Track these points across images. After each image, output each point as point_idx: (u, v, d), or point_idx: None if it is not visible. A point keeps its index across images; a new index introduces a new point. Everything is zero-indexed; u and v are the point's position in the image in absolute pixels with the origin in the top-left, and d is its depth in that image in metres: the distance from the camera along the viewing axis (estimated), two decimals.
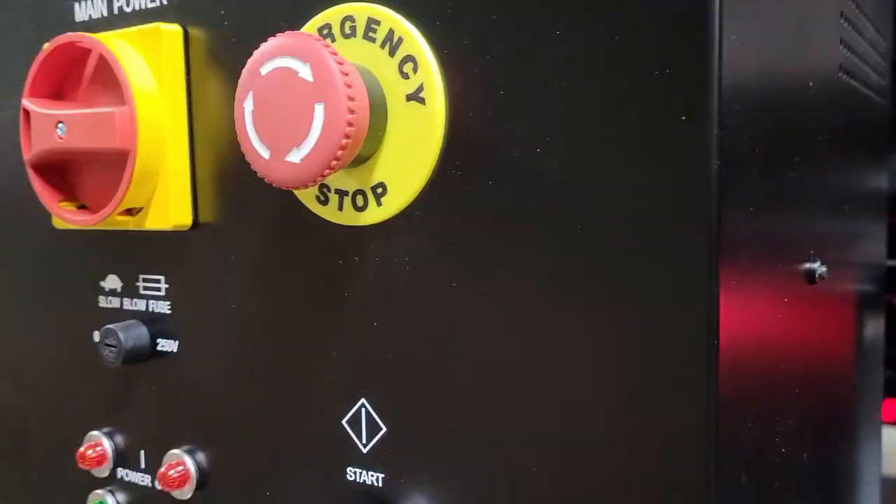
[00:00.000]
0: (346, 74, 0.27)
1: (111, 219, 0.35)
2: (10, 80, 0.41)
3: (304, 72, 0.27)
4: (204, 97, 0.35)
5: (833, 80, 0.41)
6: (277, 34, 0.28)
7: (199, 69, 0.35)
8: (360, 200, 0.30)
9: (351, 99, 0.27)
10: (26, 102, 0.36)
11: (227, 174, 0.34)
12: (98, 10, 0.37)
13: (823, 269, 0.37)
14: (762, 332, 0.30)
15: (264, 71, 0.28)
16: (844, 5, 0.43)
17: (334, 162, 0.27)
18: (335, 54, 0.27)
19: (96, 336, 0.40)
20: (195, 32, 0.35)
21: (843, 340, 0.48)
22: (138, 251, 0.37)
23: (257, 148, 0.28)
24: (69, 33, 0.35)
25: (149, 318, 0.37)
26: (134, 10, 0.36)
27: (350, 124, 0.27)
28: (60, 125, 0.35)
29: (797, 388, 0.36)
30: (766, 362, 0.30)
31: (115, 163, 0.34)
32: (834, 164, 0.42)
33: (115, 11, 0.37)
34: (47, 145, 0.35)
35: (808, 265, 0.36)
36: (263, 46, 0.28)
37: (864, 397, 0.55)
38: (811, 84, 0.36)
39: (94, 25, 0.38)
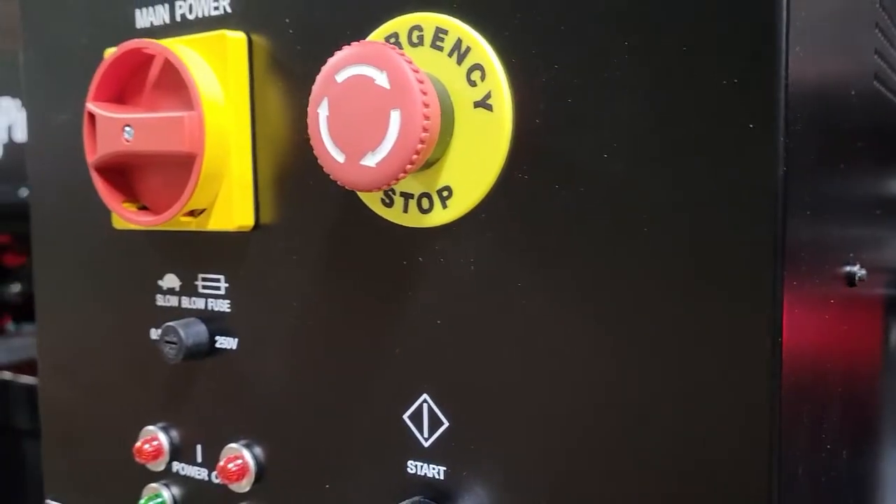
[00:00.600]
0: (422, 82, 0.28)
1: (174, 219, 0.36)
2: (69, 85, 0.42)
3: (381, 79, 0.28)
4: (266, 102, 0.36)
5: (869, 89, 0.42)
6: (352, 43, 0.29)
7: (262, 75, 0.36)
8: (425, 203, 0.31)
9: (426, 106, 0.28)
10: (91, 106, 0.37)
11: (287, 177, 0.35)
12: (160, 17, 0.39)
13: (863, 272, 0.38)
14: (814, 332, 0.31)
15: (340, 78, 0.29)
16: (879, 17, 0.44)
17: (409, 166, 0.28)
18: (410, 62, 0.28)
19: (153, 334, 0.41)
20: (258, 39, 0.36)
21: (874, 343, 0.50)
22: (198, 251, 0.39)
23: (331, 152, 0.29)
24: (136, 39, 0.36)
25: (207, 317, 0.39)
26: (197, 17, 0.37)
27: (425, 130, 0.28)
28: (128, 128, 0.36)
29: (839, 387, 0.37)
30: (816, 361, 0.32)
31: (181, 165, 0.35)
32: (869, 170, 0.43)
33: (178, 19, 0.38)
34: (114, 148, 0.36)
35: (848, 268, 0.37)
36: (339, 54, 0.29)
37: (889, 401, 0.57)
38: (853, 92, 0.37)
39: (155, 32, 0.39)
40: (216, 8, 0.37)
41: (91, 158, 0.38)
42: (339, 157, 0.29)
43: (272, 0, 0.35)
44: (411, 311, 0.32)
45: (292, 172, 0.35)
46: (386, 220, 0.33)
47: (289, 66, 0.35)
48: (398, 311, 0.33)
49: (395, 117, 0.28)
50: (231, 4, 0.36)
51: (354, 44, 0.29)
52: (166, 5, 0.38)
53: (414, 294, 0.32)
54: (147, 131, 0.35)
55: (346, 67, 0.29)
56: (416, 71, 0.28)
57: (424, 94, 0.28)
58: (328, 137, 0.29)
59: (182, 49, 0.36)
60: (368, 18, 0.32)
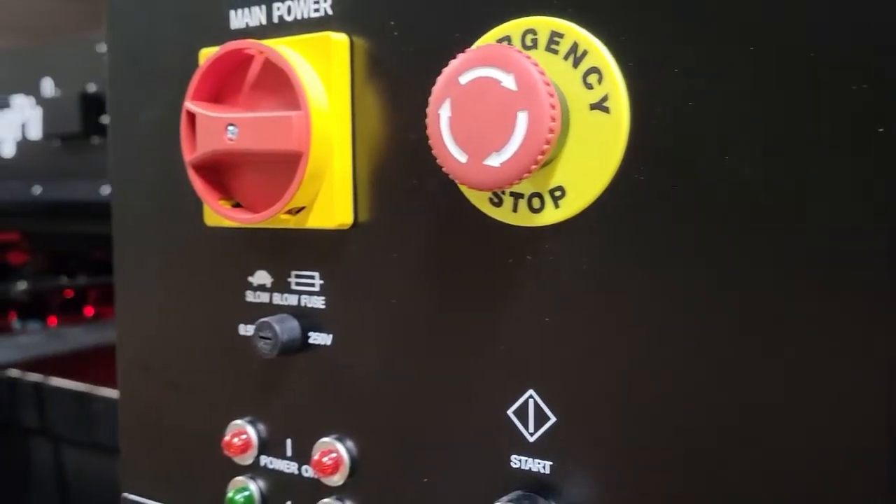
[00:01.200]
0: (548, 84, 0.29)
1: (273, 217, 0.37)
2: (158, 84, 0.43)
3: (508, 81, 0.29)
4: (365, 102, 0.36)
5: None
6: (477, 46, 0.30)
7: (362, 76, 0.36)
8: (536, 203, 0.32)
9: (552, 107, 0.28)
10: (191, 106, 0.38)
11: (387, 176, 0.36)
12: (256, 18, 0.39)
13: None
14: None
15: (464, 80, 0.30)
16: None
17: (533, 166, 0.29)
18: (537, 65, 0.29)
19: (242, 329, 0.41)
20: (359, 41, 0.36)
21: None
22: (291, 248, 0.39)
23: (453, 152, 0.30)
24: (238, 40, 0.37)
25: (300, 313, 0.39)
26: (295, 18, 0.38)
27: (551, 131, 0.29)
28: (231, 127, 0.37)
29: None
30: None
31: (283, 164, 0.36)
32: None
33: (275, 20, 0.39)
34: (216, 147, 0.37)
35: None
36: (462, 57, 0.30)
37: None
38: None
39: (250, 33, 0.40)
40: (316, 10, 0.37)
41: (189, 156, 0.38)
42: (462, 158, 0.30)
43: (377, 2, 0.36)
44: (518, 308, 0.33)
45: (393, 172, 0.36)
46: (493, 220, 0.33)
47: (391, 68, 0.36)
48: (504, 308, 0.34)
49: (522, 119, 0.29)
50: (332, 6, 0.37)
51: (478, 47, 0.30)
52: (263, 7, 0.39)
53: (522, 292, 0.33)
54: (252, 130, 0.36)
55: (470, 69, 0.30)
56: (543, 73, 0.29)
57: (551, 95, 0.29)
58: (450, 138, 0.30)
59: (286, 50, 0.36)
60: (478, 22, 0.33)
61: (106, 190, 1.47)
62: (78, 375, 1.91)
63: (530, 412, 0.33)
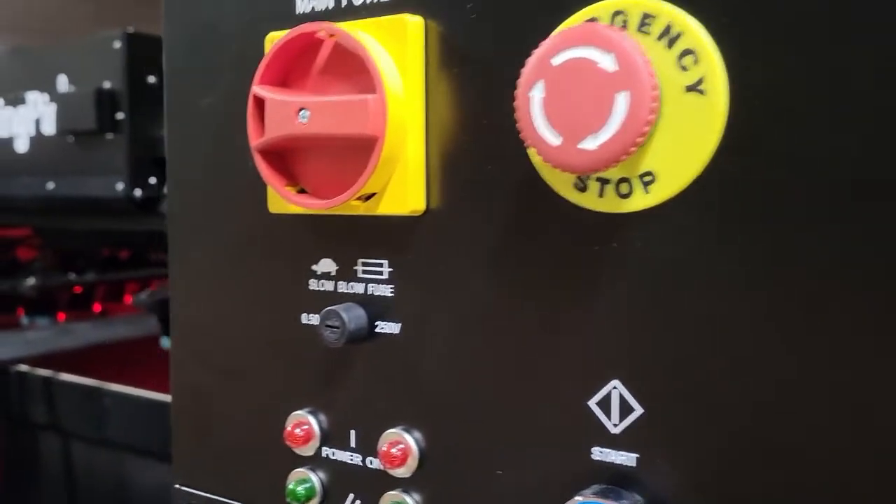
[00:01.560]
0: (649, 64, 0.28)
1: (344, 203, 0.36)
2: (218, 68, 0.42)
3: (606, 62, 0.28)
4: (439, 86, 0.36)
5: None
6: (569, 27, 0.29)
7: (436, 59, 0.36)
8: (624, 188, 0.31)
9: (654, 88, 0.28)
10: (260, 90, 0.37)
11: (461, 162, 0.36)
12: (323, 2, 0.39)
13: None
14: None
15: (557, 61, 0.29)
16: None
17: (632, 149, 0.28)
18: (638, 44, 0.28)
19: (304, 318, 0.41)
20: (433, 24, 0.36)
21: None
22: (358, 236, 0.39)
23: (545, 135, 0.30)
24: (310, 23, 0.36)
25: (367, 301, 0.39)
26: (364, 2, 0.37)
27: (652, 112, 0.28)
28: (303, 111, 0.36)
29: None
30: None
31: (354, 149, 0.35)
32: None
33: (343, 4, 0.38)
34: (286, 131, 0.36)
35: None
36: (555, 38, 0.29)
37: None
38: None
39: (316, 17, 0.39)
40: None
41: (256, 141, 0.38)
42: (555, 140, 0.29)
43: None
44: (601, 297, 0.32)
45: (467, 157, 0.35)
46: (577, 205, 0.33)
47: (467, 51, 0.35)
48: (586, 297, 0.33)
49: (621, 100, 0.28)
50: None
51: (572, 27, 0.29)
52: None
53: (605, 280, 0.32)
54: (326, 114, 0.35)
55: (565, 50, 0.29)
56: (643, 53, 0.28)
57: (652, 76, 0.28)
58: (542, 120, 0.30)
59: (359, 33, 0.36)
60: (561, 3, 0.32)
61: (119, 186, 1.46)
62: (87, 371, 1.91)
63: (614, 404, 0.33)
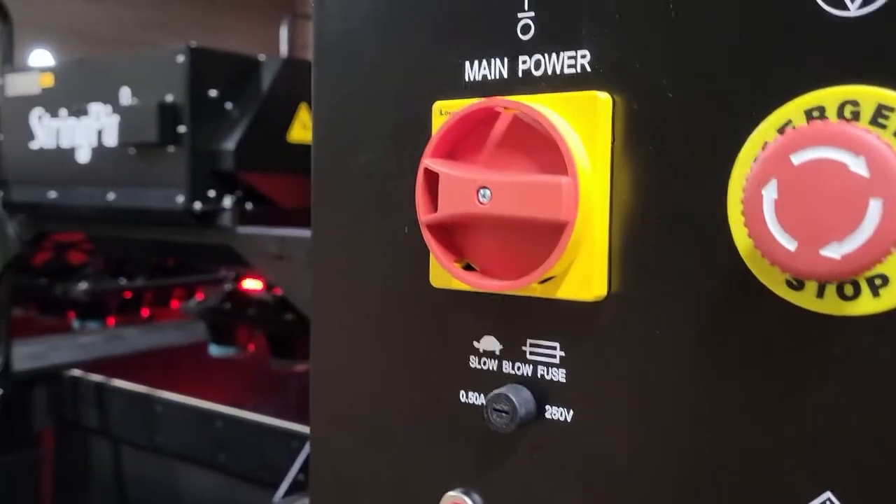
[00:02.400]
0: None
1: (525, 287, 0.35)
2: (373, 128, 0.41)
3: (857, 165, 0.26)
4: (626, 167, 0.34)
5: None
6: (812, 122, 0.27)
7: (624, 138, 0.34)
8: (848, 290, 0.29)
9: None
10: (433, 165, 0.36)
11: (646, 245, 0.34)
12: (496, 70, 0.37)
13: None
14: None
15: (798, 160, 0.27)
16: None
17: (883, 258, 0.26)
18: (891, 147, 0.26)
19: (463, 396, 0.39)
20: (621, 100, 0.34)
21: None
22: (527, 316, 0.37)
23: (778, 238, 0.28)
24: (494, 98, 0.35)
25: (533, 384, 0.37)
26: (545, 73, 0.36)
27: None
28: (484, 190, 0.34)
29: None
30: None
31: (536, 230, 0.34)
32: None
33: (519, 74, 0.36)
34: (463, 209, 0.35)
35: None
36: (794, 134, 0.27)
37: None
38: None
39: (487, 87, 0.37)
40: (571, 65, 0.35)
41: (426, 216, 0.36)
42: (789, 245, 0.27)
43: (652, 61, 0.33)
44: (813, 402, 0.30)
45: (654, 240, 0.34)
46: (787, 303, 0.31)
47: (661, 131, 0.33)
48: (797, 402, 0.31)
49: (874, 207, 0.26)
50: (592, 62, 0.34)
51: (813, 123, 0.27)
52: (505, 59, 0.37)
53: (820, 385, 0.30)
54: (511, 195, 0.33)
55: (806, 148, 0.27)
56: None
57: None
58: (775, 222, 0.28)
59: (545, 110, 0.34)
60: (782, 87, 0.30)
61: (179, 198, 1.47)
62: (136, 376, 1.92)
63: None
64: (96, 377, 1.90)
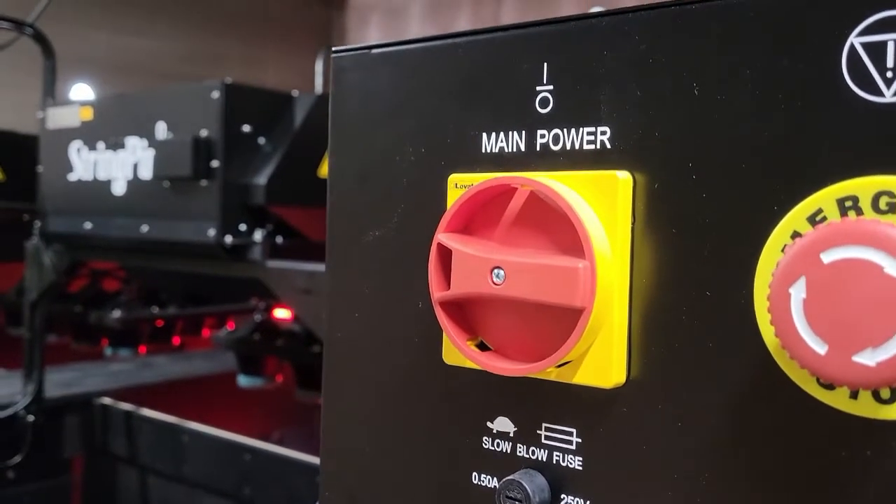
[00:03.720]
0: None
1: (540, 372, 0.33)
2: (388, 200, 0.40)
3: (893, 267, 0.24)
4: (647, 248, 0.32)
5: None
6: (844, 218, 0.26)
7: (644, 219, 0.33)
8: (885, 393, 0.27)
9: None
10: (446, 240, 0.35)
11: (670, 332, 0.32)
12: (513, 144, 0.36)
13: None
14: None
15: (828, 258, 0.25)
16: None
17: None
18: None
19: (475, 477, 0.37)
20: (643, 180, 0.33)
21: None
22: (543, 399, 0.35)
23: (807, 339, 0.26)
24: (510, 177, 0.34)
25: (547, 469, 0.35)
26: (563, 148, 0.35)
27: None
28: (498, 271, 0.33)
29: None
30: None
31: (552, 313, 0.32)
32: None
33: (537, 148, 0.35)
34: (477, 289, 0.33)
35: None
36: (825, 230, 0.26)
37: None
38: None
39: (503, 160, 0.36)
40: (591, 141, 0.34)
41: (439, 293, 0.35)
42: (819, 348, 0.26)
43: (674, 140, 0.32)
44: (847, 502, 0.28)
45: (676, 327, 0.32)
46: (819, 402, 0.29)
47: (685, 214, 0.32)
48: (829, 500, 0.29)
49: None
50: (612, 139, 0.33)
51: (845, 220, 0.26)
52: (523, 132, 0.36)
53: (852, 491, 0.28)
54: (526, 277, 0.32)
55: (838, 247, 0.25)
56: None
57: None
58: (804, 323, 0.26)
59: (563, 188, 0.33)
60: (813, 174, 0.29)
61: (211, 232, 1.48)
62: (165, 405, 1.93)
63: None
64: (126, 405, 1.92)
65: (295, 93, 1.59)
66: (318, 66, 2.43)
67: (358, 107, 0.41)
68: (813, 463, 0.29)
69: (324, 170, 1.58)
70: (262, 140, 1.55)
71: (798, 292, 0.26)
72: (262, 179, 1.51)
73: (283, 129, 1.57)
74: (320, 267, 1.31)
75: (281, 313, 1.91)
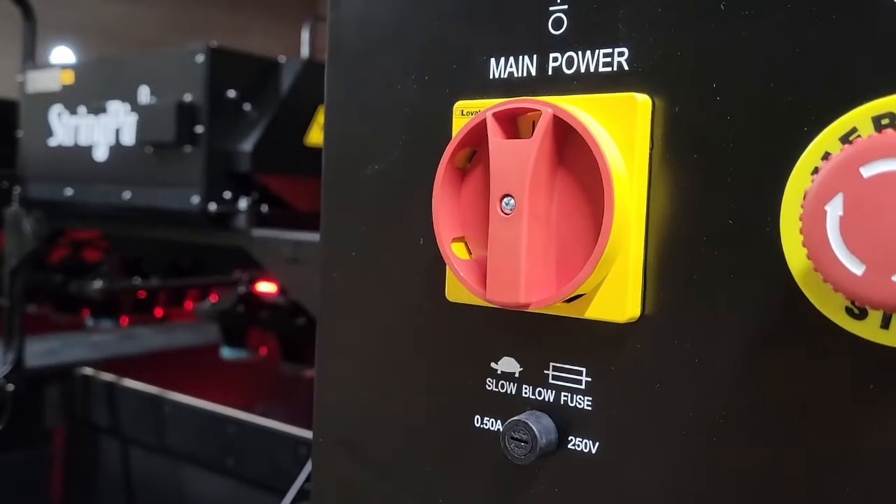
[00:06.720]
0: None
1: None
2: (391, 133, 0.38)
3: None
4: (666, 176, 0.31)
5: None
6: (884, 131, 0.24)
7: (664, 144, 0.31)
8: None
9: None
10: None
11: (689, 264, 0.30)
12: (523, 68, 0.34)
13: None
14: None
15: (868, 172, 0.24)
16: None
17: None
18: None
19: (477, 421, 0.36)
20: (662, 103, 0.31)
21: None
22: (551, 337, 0.34)
23: (843, 260, 0.24)
24: (522, 98, 0.32)
25: (554, 411, 0.34)
26: (577, 72, 0.33)
27: None
28: (508, 199, 0.31)
29: None
30: None
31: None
32: None
33: (549, 72, 0.33)
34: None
35: None
36: (865, 143, 0.24)
37: None
38: None
39: (513, 85, 0.34)
40: (607, 64, 0.32)
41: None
42: (856, 269, 0.24)
43: (697, 61, 0.30)
44: (869, 447, 0.27)
45: (695, 258, 0.30)
46: (845, 332, 0.27)
47: (708, 138, 0.30)
48: (849, 445, 0.27)
49: None
50: (631, 60, 0.31)
51: (889, 131, 0.24)
52: (534, 56, 0.34)
53: (879, 429, 0.27)
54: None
55: (880, 160, 0.24)
56: None
57: None
58: (839, 242, 0.24)
59: (578, 111, 0.31)
60: (847, 91, 0.27)
61: (195, 199, 1.45)
62: (147, 376, 1.91)
63: None
64: (108, 376, 1.89)
65: (282, 59, 1.55)
66: (305, 36, 2.38)
67: (356, 34, 0.39)
68: (837, 397, 0.28)
69: (311, 137, 1.55)
70: (247, 106, 1.51)
71: (834, 210, 0.24)
72: (247, 146, 1.47)
73: (270, 96, 1.54)
74: (307, 236, 1.29)
75: (264, 287, 1.89)
